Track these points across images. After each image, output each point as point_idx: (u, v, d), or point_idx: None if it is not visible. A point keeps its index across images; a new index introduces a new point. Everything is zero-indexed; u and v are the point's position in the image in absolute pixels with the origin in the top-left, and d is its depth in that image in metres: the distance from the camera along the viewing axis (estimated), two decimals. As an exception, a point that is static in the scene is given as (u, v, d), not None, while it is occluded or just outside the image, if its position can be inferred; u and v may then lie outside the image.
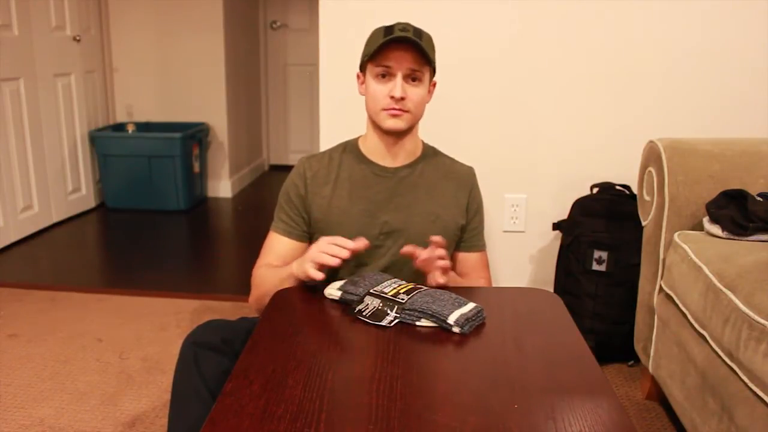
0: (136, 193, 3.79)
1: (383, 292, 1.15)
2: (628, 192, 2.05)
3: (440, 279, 1.25)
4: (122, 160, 3.74)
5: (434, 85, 1.41)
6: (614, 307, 1.96)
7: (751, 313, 1.19)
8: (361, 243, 1.20)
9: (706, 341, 1.38)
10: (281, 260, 1.42)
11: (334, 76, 2.12)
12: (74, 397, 1.82)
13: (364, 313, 1.11)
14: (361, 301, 1.14)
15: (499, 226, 2.22)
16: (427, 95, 1.38)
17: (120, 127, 3.98)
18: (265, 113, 4.96)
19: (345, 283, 1.20)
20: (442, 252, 1.23)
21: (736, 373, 1.24)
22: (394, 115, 1.33)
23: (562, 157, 2.16)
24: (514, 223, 2.22)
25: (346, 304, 1.16)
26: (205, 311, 2.39)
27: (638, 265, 1.84)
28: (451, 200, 1.45)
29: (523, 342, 1.07)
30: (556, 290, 2.11)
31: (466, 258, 1.50)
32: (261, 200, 4.27)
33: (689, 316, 1.48)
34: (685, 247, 1.54)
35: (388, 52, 1.30)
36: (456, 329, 1.07)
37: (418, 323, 1.09)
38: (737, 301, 1.25)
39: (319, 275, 1.19)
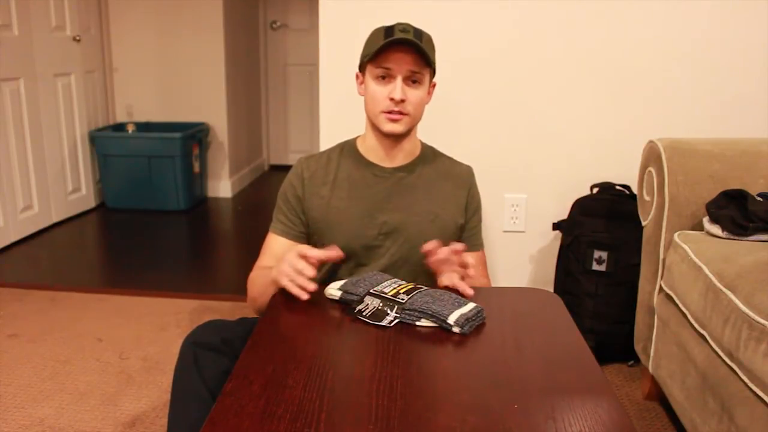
0: (136, 193, 3.79)
1: (383, 292, 1.15)
2: (628, 192, 2.05)
3: (458, 283, 1.22)
4: (122, 160, 3.74)
5: (434, 86, 1.41)
6: (614, 307, 1.96)
7: (751, 313, 1.19)
8: (332, 252, 1.18)
9: (706, 341, 1.38)
10: (277, 261, 1.41)
11: (334, 76, 2.12)
12: (74, 397, 1.82)
13: (364, 313, 1.11)
14: (361, 301, 1.14)
15: (499, 226, 2.22)
16: (426, 96, 1.37)
17: (120, 127, 3.98)
18: (265, 113, 4.96)
19: (345, 283, 1.20)
20: (467, 260, 1.22)
21: (736, 373, 1.24)
22: (393, 120, 1.33)
23: (562, 157, 2.16)
24: (514, 223, 2.22)
25: (346, 304, 1.16)
26: (205, 311, 2.39)
27: (638, 265, 1.84)
28: (449, 200, 1.45)
29: (523, 342, 1.07)
30: (556, 290, 2.11)
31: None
32: (261, 200, 4.26)
33: (689, 316, 1.48)
34: (685, 247, 1.54)
35: (389, 54, 1.30)
36: (456, 329, 1.07)
37: (418, 323, 1.09)
38: (737, 301, 1.25)
39: (304, 296, 1.15)
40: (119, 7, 3.95)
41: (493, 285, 1.60)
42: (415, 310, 1.09)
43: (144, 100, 4.10)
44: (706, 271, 1.40)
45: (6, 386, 1.87)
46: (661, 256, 1.69)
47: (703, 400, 1.39)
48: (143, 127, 4.00)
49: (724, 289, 1.31)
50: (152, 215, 3.75)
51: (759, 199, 1.54)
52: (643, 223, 1.79)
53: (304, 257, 1.17)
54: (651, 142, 1.75)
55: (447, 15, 2.07)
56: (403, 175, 1.42)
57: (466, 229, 1.48)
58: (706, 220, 1.60)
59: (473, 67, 2.11)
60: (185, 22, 3.97)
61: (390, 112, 1.32)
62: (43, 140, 3.33)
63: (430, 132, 1.58)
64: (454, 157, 1.53)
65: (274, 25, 4.83)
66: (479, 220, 1.52)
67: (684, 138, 1.73)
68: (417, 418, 0.83)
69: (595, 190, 2.08)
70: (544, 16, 2.05)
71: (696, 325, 1.44)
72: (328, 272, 1.41)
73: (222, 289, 2.69)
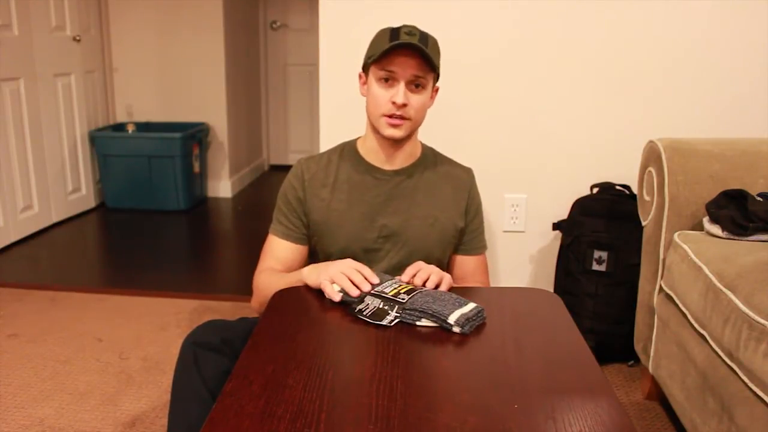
0: (136, 193, 3.79)
1: (384, 292, 1.15)
2: (628, 192, 2.05)
3: None
4: (122, 160, 3.74)
5: (437, 90, 1.41)
6: (614, 307, 1.96)
7: (751, 313, 1.19)
8: (373, 280, 1.20)
9: (706, 341, 1.38)
10: (282, 264, 1.41)
11: (334, 76, 2.12)
12: (74, 397, 1.82)
13: (364, 313, 1.11)
14: (362, 301, 1.14)
15: (499, 226, 2.22)
16: (429, 100, 1.36)
17: (120, 127, 3.98)
18: (265, 113, 4.96)
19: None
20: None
21: (736, 373, 1.24)
22: (394, 125, 1.32)
23: (562, 157, 2.16)
24: (514, 223, 2.22)
25: (346, 305, 1.16)
26: (205, 311, 2.39)
27: (638, 265, 1.84)
28: (449, 203, 1.45)
29: (523, 342, 1.07)
30: (556, 290, 2.11)
31: (465, 261, 1.50)
32: (261, 200, 4.27)
33: (689, 316, 1.48)
34: (685, 247, 1.54)
35: (393, 57, 1.28)
36: (456, 329, 1.07)
37: (418, 323, 1.09)
38: (737, 301, 1.25)
39: (338, 297, 1.16)
40: (119, 7, 3.95)
41: (493, 285, 1.60)
42: (415, 309, 1.09)
43: (144, 100, 4.10)
44: (706, 271, 1.40)
45: (6, 386, 1.87)
46: (661, 256, 1.69)
47: (703, 400, 1.39)
48: (143, 127, 4.00)
49: (724, 289, 1.31)
50: (152, 215, 3.75)
51: (759, 199, 1.54)
52: (643, 223, 1.79)
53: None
54: (651, 142, 1.75)
55: (447, 15, 2.07)
56: (403, 178, 1.42)
57: (467, 233, 1.48)
58: (706, 220, 1.60)
59: (473, 67, 2.10)
60: (185, 22, 3.97)
61: (391, 116, 1.31)
62: (43, 140, 3.33)
63: (431, 132, 1.58)
64: (455, 158, 1.52)
65: (274, 25, 4.83)
66: (480, 222, 1.51)
67: (684, 138, 1.73)
68: (417, 418, 0.83)
69: (595, 190, 2.08)
70: (544, 16, 2.05)
71: (696, 325, 1.44)
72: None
73: (222, 289, 2.69)
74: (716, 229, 1.54)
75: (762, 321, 1.15)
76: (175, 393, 1.18)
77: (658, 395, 1.81)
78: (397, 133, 1.33)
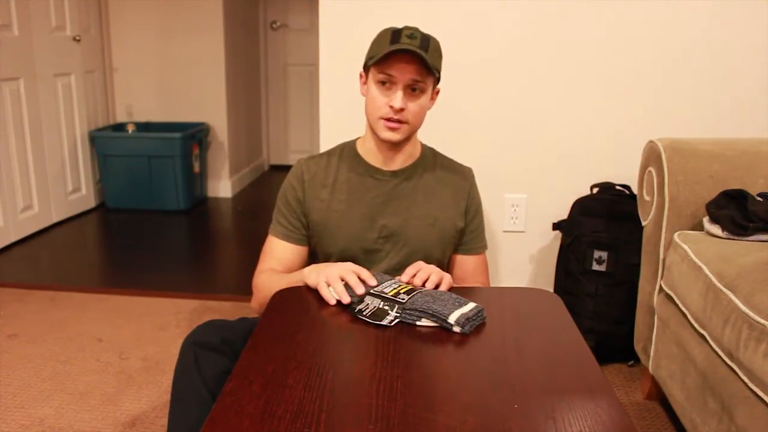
0: (136, 193, 3.79)
1: (384, 292, 1.15)
2: (628, 192, 2.05)
3: None
4: (122, 160, 3.74)
5: (438, 92, 1.40)
6: (614, 307, 1.96)
7: (751, 313, 1.19)
8: (371, 282, 1.19)
9: (706, 341, 1.38)
10: (282, 265, 1.41)
11: (334, 77, 2.12)
12: (74, 397, 1.82)
13: (364, 313, 1.11)
14: (362, 301, 1.14)
15: (499, 226, 2.22)
16: (429, 102, 1.36)
17: (120, 127, 3.98)
18: (265, 113, 4.96)
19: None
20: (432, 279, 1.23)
21: (736, 373, 1.24)
22: (392, 128, 1.32)
23: (562, 157, 2.16)
24: (514, 223, 2.22)
25: (346, 305, 1.16)
26: (205, 311, 2.39)
27: (638, 265, 1.84)
28: (449, 203, 1.44)
29: (523, 342, 1.07)
30: (556, 290, 2.11)
31: (465, 261, 1.50)
32: (261, 200, 4.27)
33: (689, 316, 1.48)
34: (685, 247, 1.54)
35: (392, 61, 1.28)
36: (456, 329, 1.07)
37: (418, 323, 1.09)
38: (737, 301, 1.25)
39: (333, 300, 1.16)
40: (119, 7, 3.95)
41: (493, 285, 1.60)
42: (415, 309, 1.09)
43: (144, 100, 4.10)
44: (706, 271, 1.40)
45: (6, 386, 1.87)
46: (661, 256, 1.69)
47: (703, 400, 1.39)
48: (143, 127, 4.00)
49: (724, 289, 1.31)
50: (152, 215, 3.75)
51: (759, 199, 1.54)
52: (643, 223, 1.79)
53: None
54: (651, 142, 1.75)
55: (447, 15, 2.07)
56: (403, 179, 1.42)
57: (467, 233, 1.48)
58: (706, 220, 1.60)
59: (473, 67, 2.10)
60: (185, 22, 3.97)
61: (389, 120, 1.31)
62: (43, 140, 3.33)
63: (431, 132, 1.58)
64: (455, 158, 1.52)
65: (274, 25, 4.83)
66: (480, 222, 1.51)
67: (684, 138, 1.74)
68: (417, 418, 0.83)
69: (595, 190, 2.08)
70: (544, 16, 2.05)
71: (696, 325, 1.44)
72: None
73: (222, 289, 2.69)
74: (716, 229, 1.54)
75: (762, 321, 1.15)
76: (175, 393, 1.18)
77: (658, 395, 1.81)
78: (394, 136, 1.33)
